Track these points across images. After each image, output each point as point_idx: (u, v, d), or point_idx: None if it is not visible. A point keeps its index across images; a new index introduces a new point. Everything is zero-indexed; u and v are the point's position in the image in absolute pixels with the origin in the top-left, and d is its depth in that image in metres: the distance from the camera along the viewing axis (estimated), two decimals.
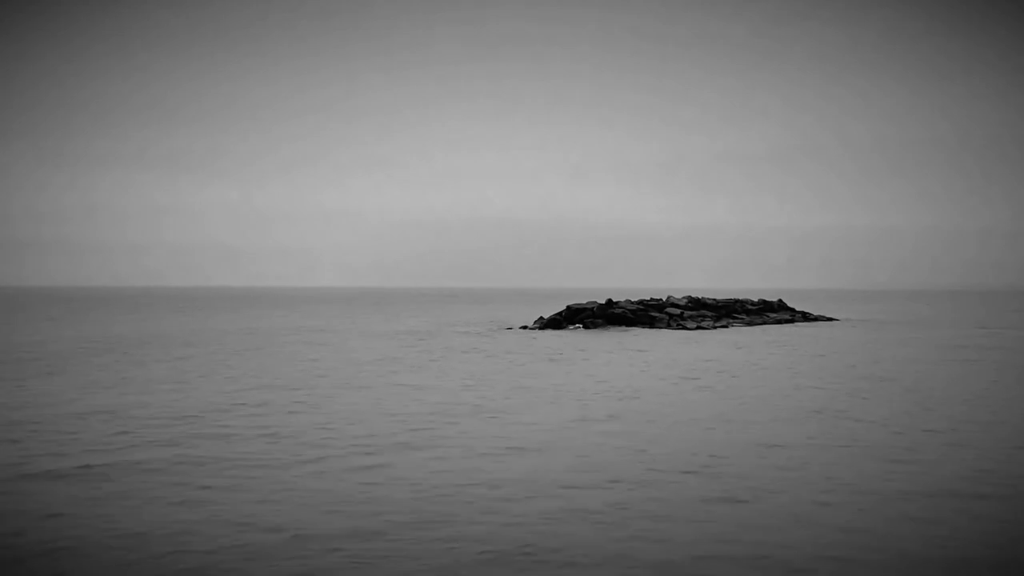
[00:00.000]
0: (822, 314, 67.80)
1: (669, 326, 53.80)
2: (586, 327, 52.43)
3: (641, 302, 57.53)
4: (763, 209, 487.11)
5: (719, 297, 65.49)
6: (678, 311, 56.81)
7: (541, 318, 55.34)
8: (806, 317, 62.97)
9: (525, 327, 54.45)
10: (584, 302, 56.72)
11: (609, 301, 55.80)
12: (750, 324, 57.66)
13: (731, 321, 57.45)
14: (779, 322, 59.78)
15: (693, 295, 61.52)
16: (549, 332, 49.94)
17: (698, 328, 52.93)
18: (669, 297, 59.34)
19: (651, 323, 54.16)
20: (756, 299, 65.16)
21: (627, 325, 53.67)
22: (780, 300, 65.23)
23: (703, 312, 58.23)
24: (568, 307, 55.15)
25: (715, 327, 54.43)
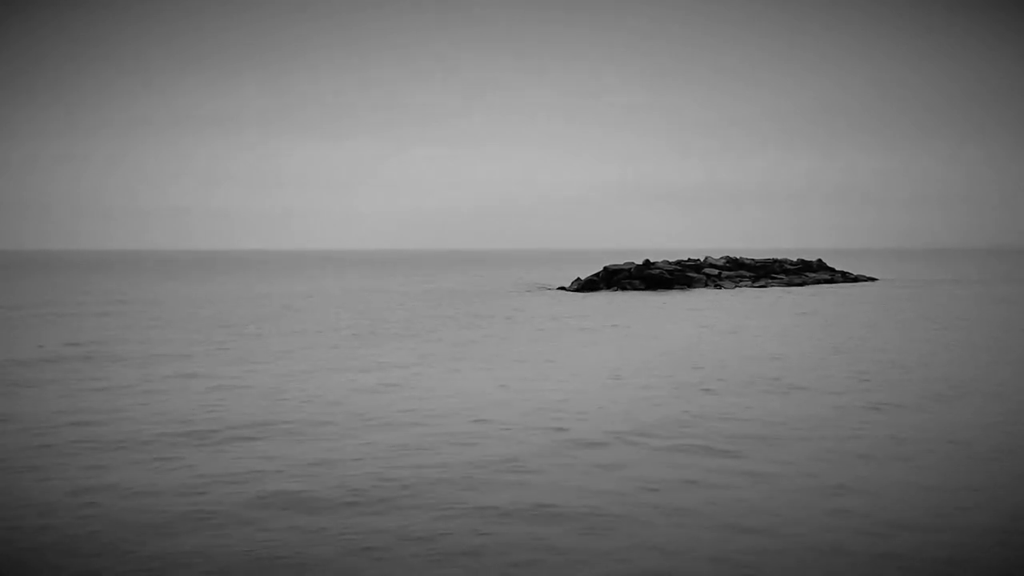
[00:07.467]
0: (862, 273, 66.14)
1: (707, 286, 52.46)
2: (623, 288, 50.84)
3: (679, 263, 55.92)
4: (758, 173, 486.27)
5: (754, 257, 63.86)
6: (716, 271, 55.30)
7: (579, 279, 53.75)
8: (846, 277, 61.29)
9: (563, 288, 53.00)
10: (621, 263, 55.08)
11: (646, 262, 54.15)
12: (789, 284, 56.09)
13: (769, 281, 55.91)
14: (818, 282, 58.16)
15: (731, 255, 59.93)
16: (597, 293, 48.39)
17: (736, 288, 51.51)
18: (707, 258, 57.75)
19: (689, 283, 52.62)
20: (795, 259, 63.51)
21: (664, 286, 52.09)
22: (819, 260, 63.56)
23: (741, 272, 56.67)
24: (605, 268, 53.49)
25: (753, 287, 53.17)
